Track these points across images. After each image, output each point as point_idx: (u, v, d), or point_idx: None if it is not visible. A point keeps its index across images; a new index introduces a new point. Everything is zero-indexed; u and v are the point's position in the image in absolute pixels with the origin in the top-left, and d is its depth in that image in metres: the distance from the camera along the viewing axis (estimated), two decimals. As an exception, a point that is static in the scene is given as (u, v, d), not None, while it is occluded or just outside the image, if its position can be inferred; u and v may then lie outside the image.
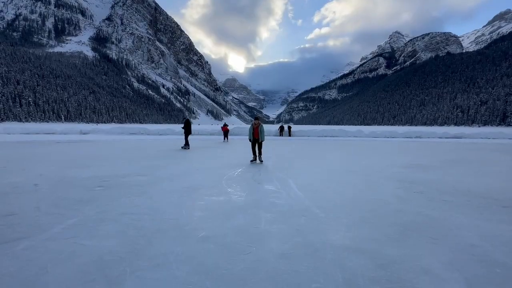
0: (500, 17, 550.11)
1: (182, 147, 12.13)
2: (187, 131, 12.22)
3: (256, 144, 7.76)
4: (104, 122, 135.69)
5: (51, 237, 2.67)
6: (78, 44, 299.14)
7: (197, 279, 1.95)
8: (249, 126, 8.77)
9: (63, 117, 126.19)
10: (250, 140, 7.86)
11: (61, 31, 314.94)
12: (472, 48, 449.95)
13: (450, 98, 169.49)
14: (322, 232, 2.86)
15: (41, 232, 2.77)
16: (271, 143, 16.04)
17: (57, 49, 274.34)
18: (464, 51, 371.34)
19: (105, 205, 3.71)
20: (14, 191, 4.42)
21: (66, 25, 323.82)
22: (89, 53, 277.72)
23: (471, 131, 23.51)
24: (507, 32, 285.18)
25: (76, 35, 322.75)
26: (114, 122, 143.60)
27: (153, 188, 4.73)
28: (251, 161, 7.73)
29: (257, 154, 7.78)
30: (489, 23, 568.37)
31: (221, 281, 1.93)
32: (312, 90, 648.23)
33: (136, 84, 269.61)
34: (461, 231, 2.88)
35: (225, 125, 19.68)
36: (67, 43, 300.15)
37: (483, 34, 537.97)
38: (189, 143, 12.50)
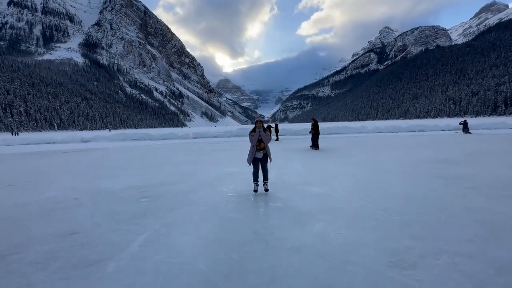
0: (486, 9, 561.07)
1: None
2: None
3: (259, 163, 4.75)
4: (98, 129, 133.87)
5: (135, 256, 2.53)
6: (68, 51, 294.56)
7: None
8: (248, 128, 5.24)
9: (56, 126, 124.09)
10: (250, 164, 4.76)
11: (49, 38, 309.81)
12: (461, 40, 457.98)
13: (442, 91, 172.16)
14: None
15: (121, 251, 2.63)
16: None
17: (46, 56, 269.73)
18: (453, 43, 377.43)
19: (166, 217, 3.58)
20: (58, 207, 4.25)
21: (54, 32, 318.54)
22: (79, 59, 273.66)
23: (472, 123, 23.84)
24: (494, 24, 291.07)
25: (65, 41, 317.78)
26: (108, 128, 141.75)
27: (198, 195, 4.60)
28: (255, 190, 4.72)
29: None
30: (476, 15, 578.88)
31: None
32: (305, 88, 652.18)
33: (128, 89, 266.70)
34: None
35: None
36: (56, 50, 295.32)
37: (470, 26, 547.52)
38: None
